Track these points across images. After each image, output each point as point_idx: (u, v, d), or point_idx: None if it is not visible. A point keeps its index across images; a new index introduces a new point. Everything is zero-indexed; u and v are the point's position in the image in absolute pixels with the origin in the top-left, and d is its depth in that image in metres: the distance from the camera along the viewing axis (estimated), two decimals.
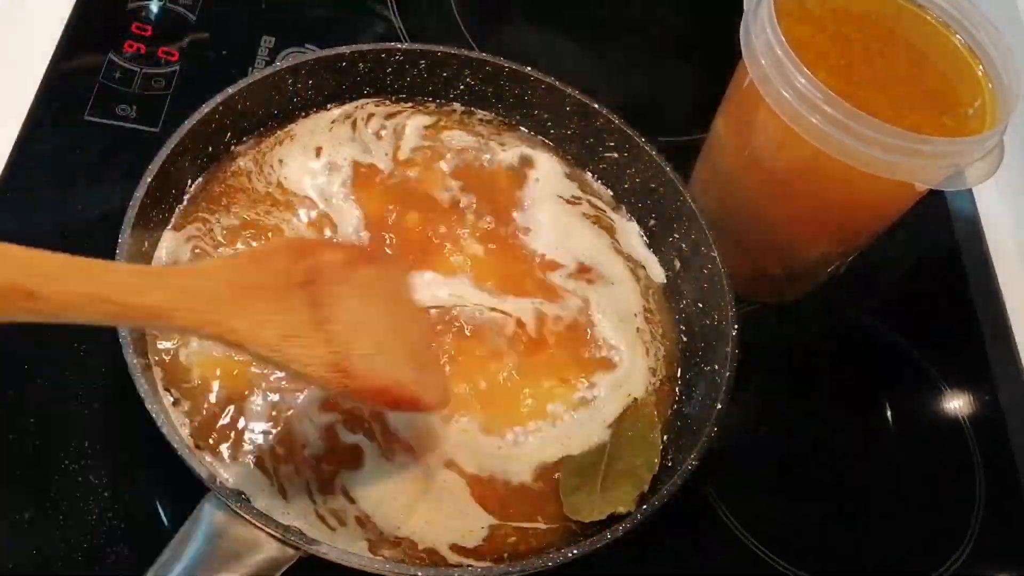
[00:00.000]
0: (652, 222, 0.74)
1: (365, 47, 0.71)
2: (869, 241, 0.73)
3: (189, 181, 0.66)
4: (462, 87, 0.75)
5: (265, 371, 0.60)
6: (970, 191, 0.92)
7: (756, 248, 0.73)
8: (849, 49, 0.65)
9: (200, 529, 0.51)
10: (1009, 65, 0.64)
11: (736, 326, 0.65)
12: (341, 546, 0.53)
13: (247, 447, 0.58)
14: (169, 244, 0.64)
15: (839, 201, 0.67)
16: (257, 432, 0.58)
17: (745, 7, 0.65)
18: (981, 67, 0.66)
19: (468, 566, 0.57)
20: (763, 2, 0.63)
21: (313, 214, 0.67)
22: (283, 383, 0.60)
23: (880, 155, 0.59)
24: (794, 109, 0.60)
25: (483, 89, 0.75)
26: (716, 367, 0.65)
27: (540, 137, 0.76)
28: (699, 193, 0.73)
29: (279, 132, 0.71)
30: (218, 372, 0.59)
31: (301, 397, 0.60)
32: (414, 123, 0.74)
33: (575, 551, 0.55)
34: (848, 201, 0.67)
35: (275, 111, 0.70)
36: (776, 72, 0.61)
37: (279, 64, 0.69)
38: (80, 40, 0.79)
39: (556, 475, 0.61)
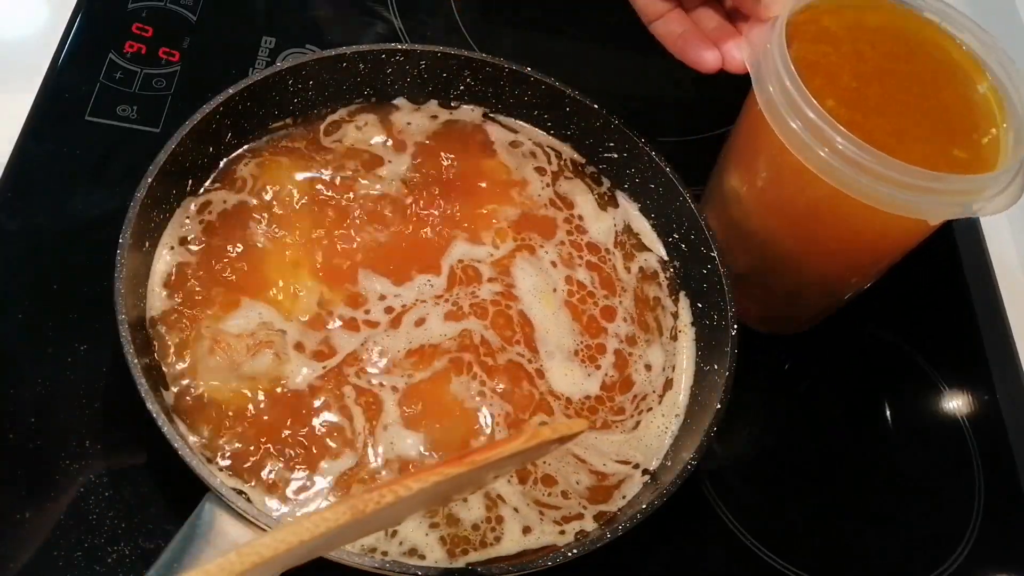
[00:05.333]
0: (651, 222, 0.74)
1: (365, 47, 0.71)
2: (882, 273, 0.71)
3: (190, 181, 0.66)
4: (462, 87, 0.75)
5: (263, 376, 0.60)
6: None
7: (766, 279, 0.72)
8: (862, 69, 0.63)
9: (200, 529, 0.51)
10: None
11: (736, 326, 0.65)
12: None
13: (247, 446, 0.58)
14: (170, 244, 0.64)
15: (851, 234, 0.65)
16: (257, 432, 0.58)
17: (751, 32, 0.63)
18: (996, 94, 0.63)
19: (469, 566, 0.57)
20: (775, 28, 0.60)
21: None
22: (281, 383, 0.60)
23: (892, 192, 0.56)
24: (802, 141, 0.58)
25: (483, 89, 0.75)
26: (716, 367, 0.65)
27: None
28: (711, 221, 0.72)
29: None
30: (219, 376, 0.60)
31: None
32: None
33: (575, 551, 0.55)
34: (861, 234, 0.64)
35: (276, 111, 0.70)
36: (784, 102, 0.59)
37: (279, 64, 0.69)
38: (81, 40, 0.79)
39: None
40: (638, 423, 0.65)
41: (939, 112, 0.62)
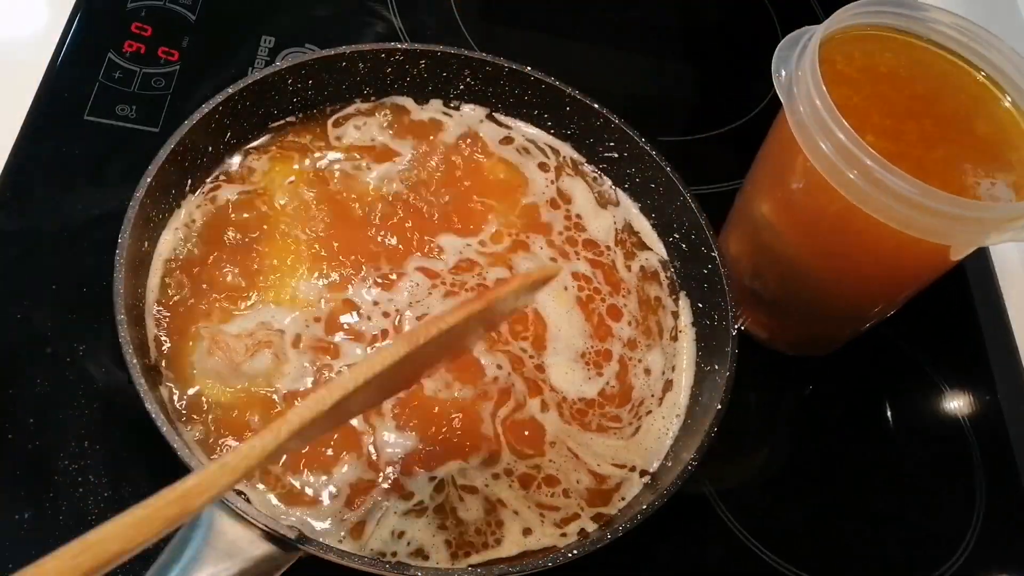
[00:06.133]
0: (652, 222, 0.74)
1: (365, 47, 0.71)
2: (909, 298, 0.71)
3: (189, 181, 0.66)
4: (462, 87, 0.75)
5: (262, 376, 0.60)
6: None
7: (795, 303, 0.72)
8: (890, 111, 0.62)
9: (200, 529, 0.50)
10: None
11: (736, 326, 0.65)
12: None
13: None
14: (169, 243, 0.64)
15: (886, 259, 0.64)
16: (256, 431, 0.58)
17: (780, 53, 0.62)
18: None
19: (468, 566, 0.57)
20: (806, 55, 0.59)
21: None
22: (280, 383, 0.60)
23: (923, 218, 0.56)
24: (831, 163, 0.58)
25: (483, 89, 0.75)
26: (716, 367, 0.65)
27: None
28: (734, 254, 0.72)
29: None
30: (218, 376, 0.60)
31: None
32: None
33: (575, 551, 0.55)
34: (894, 259, 0.63)
35: (275, 111, 0.70)
36: (815, 124, 0.58)
37: (279, 64, 0.68)
38: (80, 40, 0.79)
39: None
40: (637, 429, 0.65)
41: (979, 141, 0.62)
